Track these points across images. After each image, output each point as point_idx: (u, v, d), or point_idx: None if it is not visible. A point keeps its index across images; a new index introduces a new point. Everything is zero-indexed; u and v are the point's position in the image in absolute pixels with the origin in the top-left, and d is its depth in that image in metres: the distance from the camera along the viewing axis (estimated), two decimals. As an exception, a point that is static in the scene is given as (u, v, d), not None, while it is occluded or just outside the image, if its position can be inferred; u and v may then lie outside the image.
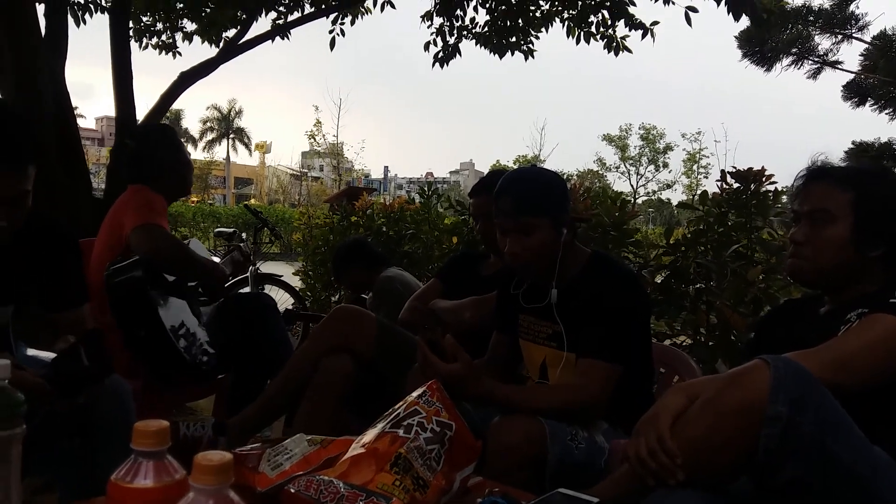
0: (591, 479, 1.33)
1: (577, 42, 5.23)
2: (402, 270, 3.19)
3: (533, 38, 5.50)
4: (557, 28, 5.34)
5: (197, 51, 5.51)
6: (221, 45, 5.31)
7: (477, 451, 1.23)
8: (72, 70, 3.91)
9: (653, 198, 40.09)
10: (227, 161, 44.61)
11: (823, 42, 11.82)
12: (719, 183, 2.61)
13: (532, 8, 5.30)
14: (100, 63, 5.36)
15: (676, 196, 38.09)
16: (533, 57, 5.56)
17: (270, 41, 5.17)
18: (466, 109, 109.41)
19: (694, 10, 4.41)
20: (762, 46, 11.45)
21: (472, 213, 2.47)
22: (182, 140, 2.50)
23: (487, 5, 5.36)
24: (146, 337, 1.99)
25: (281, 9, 5.34)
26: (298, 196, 35.17)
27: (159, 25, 5.48)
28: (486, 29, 5.47)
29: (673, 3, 4.49)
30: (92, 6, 4.81)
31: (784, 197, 2.49)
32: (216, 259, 2.47)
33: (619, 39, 5.16)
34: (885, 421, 1.12)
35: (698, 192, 2.96)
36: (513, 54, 5.54)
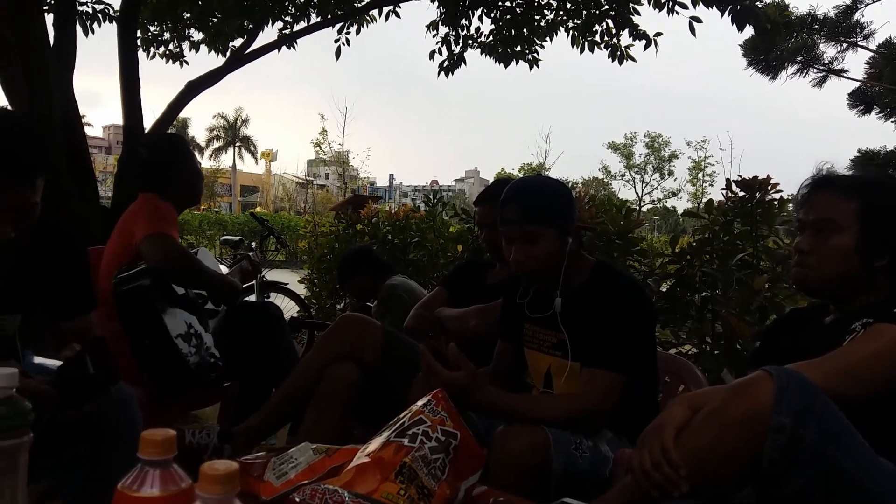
0: (596, 488, 1.33)
1: (581, 51, 5.25)
2: (407, 278, 3.20)
3: (538, 48, 5.52)
4: (562, 37, 5.37)
5: (204, 60, 5.56)
6: (228, 54, 5.35)
7: (482, 460, 1.23)
8: (79, 78, 3.94)
9: (658, 206, 40.05)
10: (234, 169, 44.85)
11: (828, 50, 11.82)
12: (725, 191, 2.61)
13: (537, 17, 5.33)
14: (107, 71, 5.41)
15: (682, 204, 38.06)
16: (538, 66, 5.59)
17: (277, 50, 5.21)
18: (471, 117, 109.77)
19: (698, 20, 4.42)
20: (767, 55, 11.45)
21: (477, 222, 2.47)
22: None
23: (492, 15, 5.38)
24: (151, 345, 1.99)
25: (287, 19, 5.38)
26: (304, 204, 35.30)
27: (167, 35, 5.52)
28: (490, 38, 5.49)
29: (677, 13, 4.51)
30: (100, 16, 4.86)
31: (790, 205, 2.49)
32: (224, 268, 2.48)
33: (622, 48, 5.18)
34: (889, 431, 1.12)
35: (704, 200, 2.95)
36: (517, 63, 5.56)
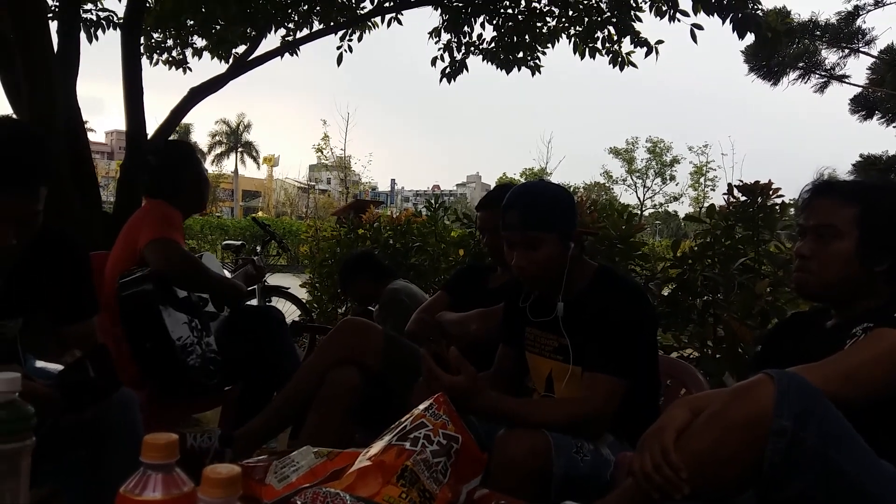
0: (597, 491, 1.33)
1: (582, 58, 5.27)
2: (408, 283, 3.20)
3: (539, 54, 5.54)
4: (564, 43, 5.38)
5: (207, 67, 5.58)
6: (231, 60, 5.37)
7: (483, 464, 1.23)
8: (82, 84, 3.96)
9: (660, 210, 40.07)
10: (236, 174, 44.96)
11: (830, 56, 11.85)
12: (726, 196, 2.62)
13: (539, 24, 5.35)
14: (110, 77, 5.42)
15: (683, 209, 38.09)
16: (539, 72, 5.60)
17: (279, 57, 5.23)
18: (473, 122, 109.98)
19: (699, 27, 4.44)
20: (769, 61, 11.47)
21: (479, 227, 2.48)
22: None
23: (494, 22, 5.41)
24: (152, 349, 2.00)
25: (290, 25, 5.40)
26: (306, 209, 35.34)
27: (170, 42, 5.54)
28: (493, 45, 5.51)
29: (678, 21, 4.52)
30: (104, 23, 4.88)
31: (791, 210, 2.49)
32: (227, 273, 2.49)
33: (624, 55, 5.20)
34: (890, 434, 1.12)
35: (705, 204, 2.95)
36: (519, 70, 5.58)
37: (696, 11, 4.38)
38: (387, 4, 5.35)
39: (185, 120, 5.55)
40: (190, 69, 5.72)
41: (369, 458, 1.11)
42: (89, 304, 1.64)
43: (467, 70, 5.63)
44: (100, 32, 4.87)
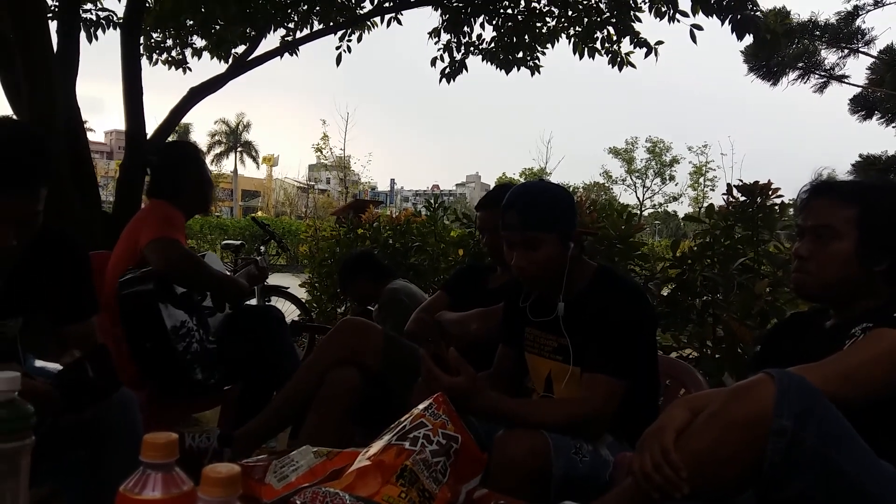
0: (596, 492, 1.33)
1: (581, 58, 5.27)
2: (408, 282, 3.20)
3: (539, 54, 5.54)
4: (563, 43, 5.39)
5: (206, 66, 5.58)
6: (231, 60, 5.37)
7: (482, 464, 1.23)
8: (82, 84, 3.95)
9: (659, 210, 40.10)
10: (235, 174, 44.97)
11: (830, 56, 11.84)
12: (726, 196, 2.62)
13: (538, 25, 5.35)
14: (109, 77, 5.42)
15: (683, 208, 38.12)
16: (539, 73, 5.61)
17: (279, 57, 5.23)
18: (472, 122, 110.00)
19: (699, 27, 4.44)
20: (768, 61, 11.47)
21: (478, 227, 2.48)
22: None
23: (494, 22, 5.41)
24: (152, 349, 2.00)
25: (290, 25, 5.40)
26: (305, 208, 35.34)
27: (169, 42, 5.55)
28: (492, 45, 5.52)
29: (678, 21, 4.53)
30: (104, 23, 4.88)
31: (791, 210, 2.49)
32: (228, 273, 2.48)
33: (623, 55, 5.20)
34: (889, 434, 1.12)
35: (705, 204, 2.96)
36: (519, 70, 5.58)
37: (695, 12, 4.39)
38: (386, 4, 5.36)
39: (185, 120, 5.56)
40: (190, 69, 5.72)
41: (369, 457, 1.11)
42: (89, 304, 1.64)
43: (467, 70, 5.64)
44: (100, 32, 4.86)
